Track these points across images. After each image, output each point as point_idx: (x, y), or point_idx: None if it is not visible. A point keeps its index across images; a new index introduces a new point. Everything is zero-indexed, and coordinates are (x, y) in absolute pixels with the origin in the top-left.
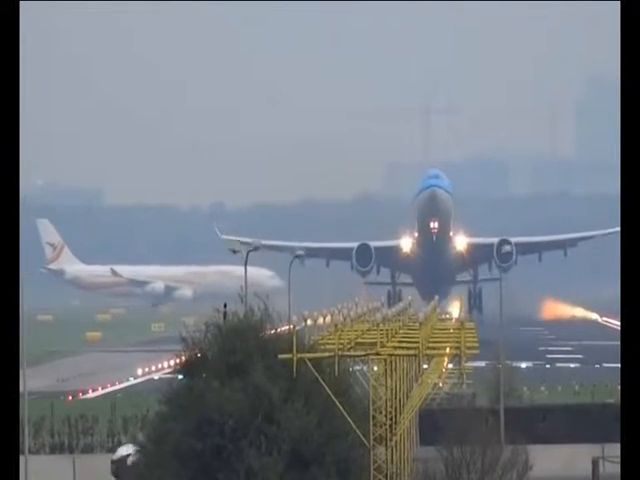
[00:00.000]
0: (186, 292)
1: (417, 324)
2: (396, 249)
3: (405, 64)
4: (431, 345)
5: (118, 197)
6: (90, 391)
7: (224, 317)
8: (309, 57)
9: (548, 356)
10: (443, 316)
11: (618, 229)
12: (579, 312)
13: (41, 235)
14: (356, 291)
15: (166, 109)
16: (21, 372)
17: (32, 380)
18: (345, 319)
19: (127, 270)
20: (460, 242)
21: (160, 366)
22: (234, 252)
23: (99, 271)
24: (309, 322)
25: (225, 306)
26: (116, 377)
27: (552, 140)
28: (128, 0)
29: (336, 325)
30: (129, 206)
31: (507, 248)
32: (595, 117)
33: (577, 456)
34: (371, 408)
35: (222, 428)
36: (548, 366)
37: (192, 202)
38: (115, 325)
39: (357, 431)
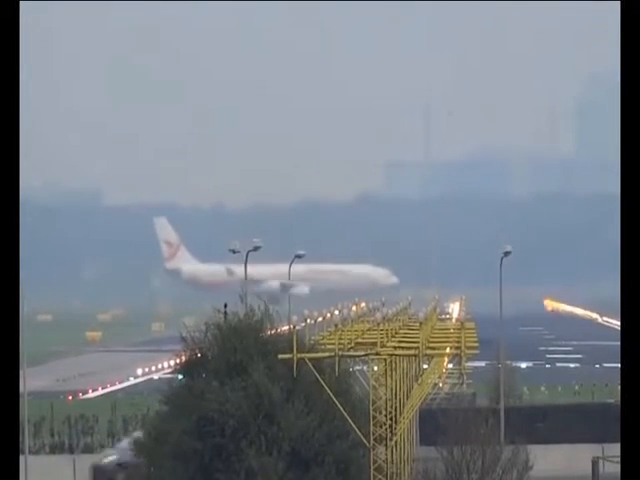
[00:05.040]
0: (303, 289)
1: (417, 324)
2: None
3: (405, 63)
4: (431, 345)
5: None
6: (90, 391)
7: (224, 317)
8: (309, 57)
9: (548, 356)
10: (443, 316)
11: None
12: (579, 312)
13: (158, 234)
14: None
15: (166, 108)
16: (21, 372)
17: (32, 380)
18: (345, 319)
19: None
20: None
21: (160, 366)
22: (234, 252)
23: (214, 270)
24: (309, 321)
25: (225, 306)
26: (116, 377)
27: (552, 140)
28: (128, 0)
29: (336, 325)
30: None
31: None
32: (595, 117)
33: (577, 456)
34: (371, 408)
35: (222, 428)
36: (548, 366)
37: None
38: (115, 325)
39: (357, 431)
